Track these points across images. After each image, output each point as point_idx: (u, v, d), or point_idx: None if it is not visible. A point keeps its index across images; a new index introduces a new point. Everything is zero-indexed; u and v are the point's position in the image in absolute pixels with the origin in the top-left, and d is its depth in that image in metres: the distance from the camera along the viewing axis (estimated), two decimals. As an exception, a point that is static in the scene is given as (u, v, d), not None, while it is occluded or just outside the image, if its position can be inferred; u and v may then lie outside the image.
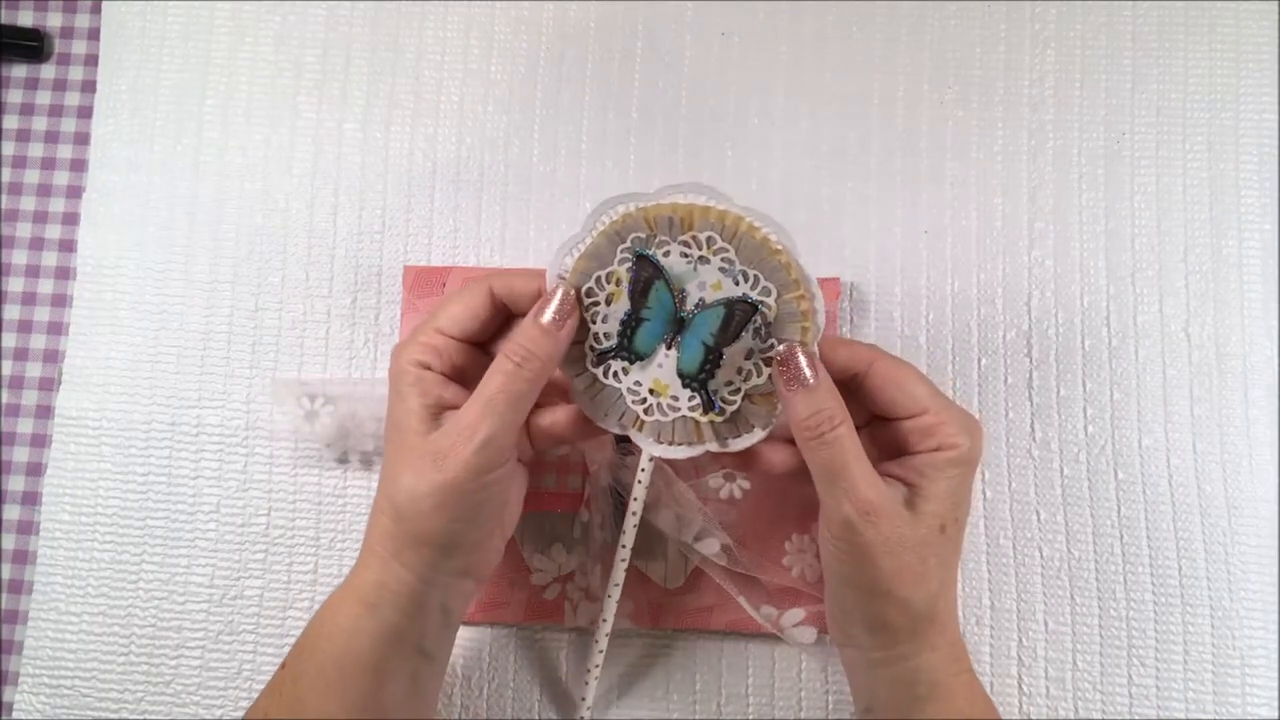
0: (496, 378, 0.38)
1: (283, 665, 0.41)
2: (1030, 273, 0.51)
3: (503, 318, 0.42)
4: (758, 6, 0.53)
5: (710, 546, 0.47)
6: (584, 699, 0.45)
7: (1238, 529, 0.49)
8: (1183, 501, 0.49)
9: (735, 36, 0.53)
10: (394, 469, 0.39)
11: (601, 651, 0.44)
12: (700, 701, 0.49)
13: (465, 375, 0.41)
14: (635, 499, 0.42)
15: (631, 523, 0.43)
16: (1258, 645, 0.48)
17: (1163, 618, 0.49)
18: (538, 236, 0.52)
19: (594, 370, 0.41)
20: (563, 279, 0.40)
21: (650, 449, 0.41)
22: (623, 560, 0.43)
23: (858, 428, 0.39)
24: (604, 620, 0.44)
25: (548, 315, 0.39)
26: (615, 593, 0.44)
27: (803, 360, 0.38)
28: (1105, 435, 0.50)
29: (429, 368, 0.40)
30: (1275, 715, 0.48)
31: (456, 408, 0.40)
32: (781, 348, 0.38)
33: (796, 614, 0.47)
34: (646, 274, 0.39)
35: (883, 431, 0.41)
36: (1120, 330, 0.51)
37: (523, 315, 0.41)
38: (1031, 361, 0.51)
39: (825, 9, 0.53)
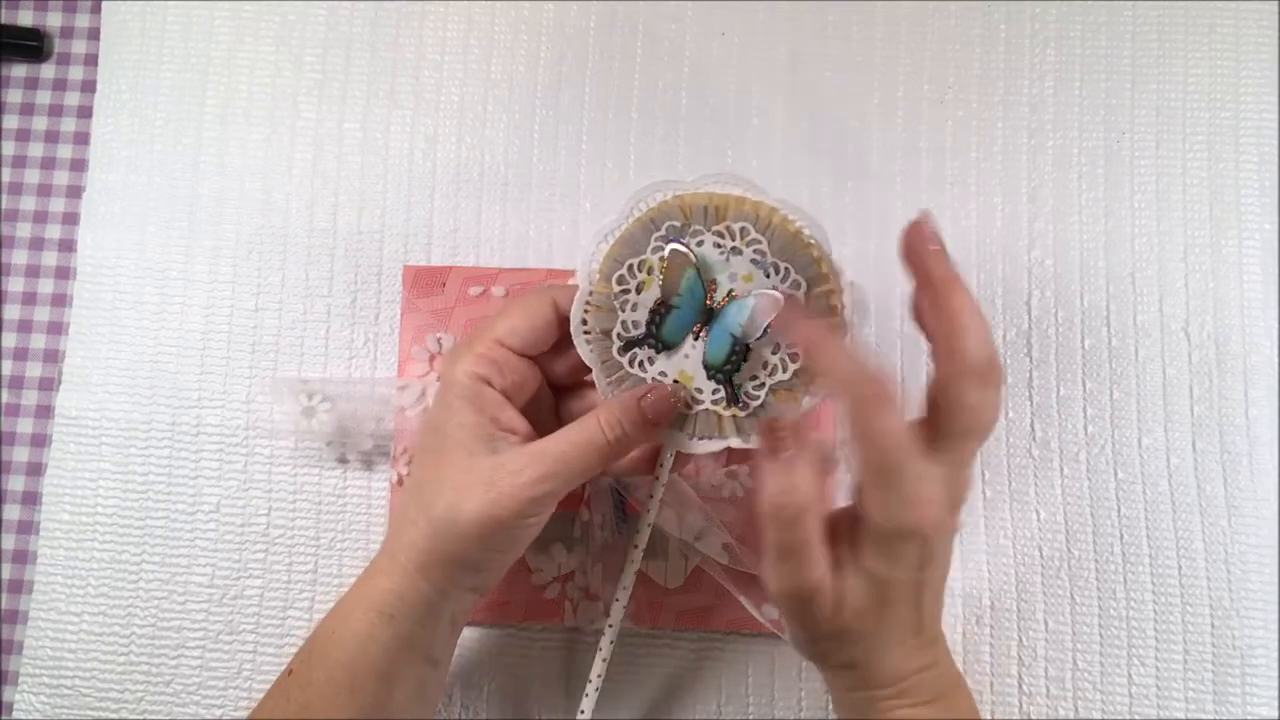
0: (581, 438, 0.38)
1: (288, 670, 0.40)
2: (1030, 273, 0.51)
3: (562, 331, 0.41)
4: (758, 6, 0.53)
5: (711, 545, 0.47)
6: (583, 712, 0.44)
7: (1238, 529, 0.49)
8: (1183, 501, 0.49)
9: (735, 36, 0.53)
10: (434, 483, 0.38)
11: (605, 660, 0.43)
12: (700, 701, 0.49)
13: (520, 391, 0.40)
14: (652, 497, 0.42)
15: (646, 520, 0.42)
16: (1258, 645, 0.48)
17: (1163, 618, 0.49)
18: (538, 236, 0.52)
19: (620, 359, 0.40)
20: (595, 268, 0.40)
21: (672, 442, 0.41)
22: (633, 563, 0.42)
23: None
24: (610, 626, 0.43)
25: (649, 404, 0.38)
26: (624, 596, 0.42)
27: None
28: (1105, 435, 0.50)
29: (488, 382, 0.39)
30: (1275, 715, 0.48)
31: (510, 430, 0.39)
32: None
33: (797, 614, 0.47)
34: (679, 261, 0.39)
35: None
36: (1120, 330, 0.51)
37: None
38: (1031, 361, 0.51)
39: (825, 9, 0.53)
